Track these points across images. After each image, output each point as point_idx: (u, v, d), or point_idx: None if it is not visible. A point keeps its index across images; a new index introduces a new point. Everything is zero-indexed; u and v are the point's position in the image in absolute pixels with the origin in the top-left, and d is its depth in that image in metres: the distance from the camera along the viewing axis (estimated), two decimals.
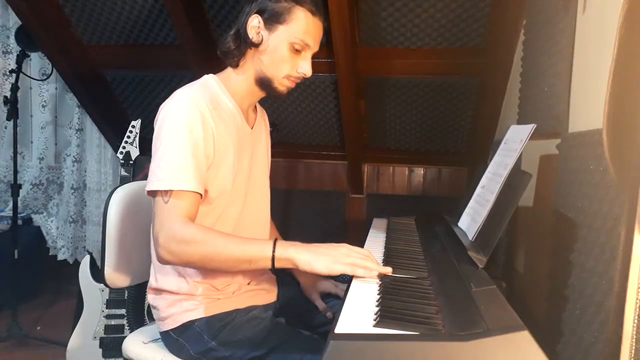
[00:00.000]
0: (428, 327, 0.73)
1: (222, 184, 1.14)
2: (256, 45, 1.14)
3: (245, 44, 1.14)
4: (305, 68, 1.16)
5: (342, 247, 1.00)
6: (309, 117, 2.26)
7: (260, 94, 1.22)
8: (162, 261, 1.04)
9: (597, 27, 1.01)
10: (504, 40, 1.73)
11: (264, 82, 1.17)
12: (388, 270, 0.98)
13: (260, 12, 1.12)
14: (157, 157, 1.06)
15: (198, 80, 1.17)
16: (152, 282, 1.20)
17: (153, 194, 1.06)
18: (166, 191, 1.03)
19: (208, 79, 1.18)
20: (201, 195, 1.07)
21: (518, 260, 1.50)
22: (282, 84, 1.17)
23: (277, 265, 0.99)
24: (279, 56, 1.13)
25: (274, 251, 0.99)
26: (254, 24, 1.12)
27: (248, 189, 1.22)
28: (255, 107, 1.31)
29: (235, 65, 1.18)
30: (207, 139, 1.08)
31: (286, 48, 1.13)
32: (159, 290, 1.18)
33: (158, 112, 1.12)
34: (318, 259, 0.97)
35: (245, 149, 1.21)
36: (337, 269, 0.96)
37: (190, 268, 1.13)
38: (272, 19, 1.12)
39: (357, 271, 0.96)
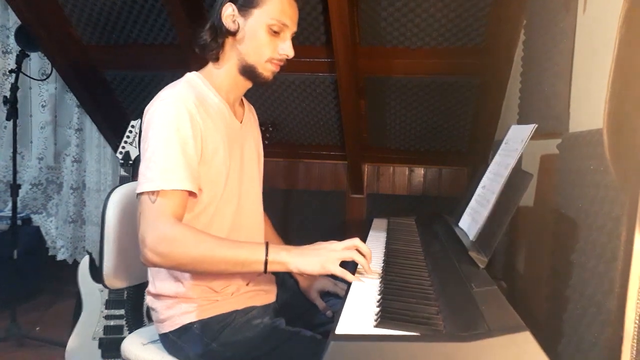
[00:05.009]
0: (429, 327, 0.72)
1: (214, 182, 1.12)
2: (233, 34, 1.13)
3: (222, 35, 1.13)
4: (286, 49, 1.14)
5: (331, 244, 1.02)
6: (309, 117, 2.26)
7: (246, 85, 1.21)
8: (149, 263, 1.01)
9: (597, 27, 1.01)
10: (504, 40, 1.73)
11: (247, 71, 1.16)
12: (371, 272, 1.00)
13: (232, 1, 1.11)
14: (145, 159, 1.04)
15: (181, 79, 1.16)
16: (150, 288, 1.19)
17: (141, 195, 1.03)
18: (153, 191, 1.01)
19: (191, 76, 1.17)
20: (195, 194, 1.06)
21: (519, 260, 1.50)
22: (266, 69, 1.15)
23: (270, 268, 1.00)
24: (258, 41, 1.12)
25: (266, 255, 1.00)
26: (229, 13, 1.11)
27: (242, 186, 1.20)
28: (242, 101, 1.30)
29: (216, 59, 1.17)
30: (196, 136, 1.06)
31: (264, 31, 1.11)
32: (157, 295, 1.17)
33: (144, 114, 1.10)
34: (308, 261, 0.99)
35: (235, 145, 1.19)
36: (331, 269, 0.98)
37: (178, 272, 1.11)
38: (246, 4, 1.11)
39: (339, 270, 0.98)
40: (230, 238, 1.14)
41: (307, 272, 0.99)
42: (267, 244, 1.01)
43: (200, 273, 1.10)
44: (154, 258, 0.99)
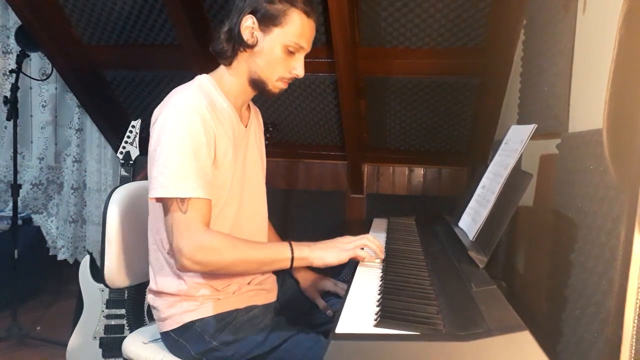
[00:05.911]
0: (428, 327, 0.73)
1: (221, 185, 1.14)
2: (251, 47, 1.14)
3: (239, 45, 1.14)
4: (298, 69, 1.16)
5: (345, 238, 1.14)
6: (309, 117, 2.26)
7: (253, 93, 1.23)
8: (185, 271, 1.08)
9: (597, 27, 1.01)
10: (504, 40, 1.73)
11: (257, 84, 1.18)
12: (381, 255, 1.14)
13: (253, 12, 1.11)
14: (158, 164, 1.05)
15: (192, 82, 1.16)
16: (152, 285, 1.20)
17: (160, 200, 1.08)
18: (182, 200, 1.03)
19: (202, 79, 1.18)
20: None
21: (518, 260, 1.50)
22: (276, 86, 1.18)
23: (295, 264, 1.09)
24: (273, 58, 1.14)
25: (292, 252, 1.08)
26: (248, 25, 1.12)
27: (243, 188, 1.22)
28: (249, 105, 1.31)
29: (229, 65, 1.18)
30: (210, 142, 1.08)
31: (280, 50, 1.13)
32: (158, 292, 1.18)
33: (154, 117, 1.11)
34: (327, 252, 1.09)
35: (240, 148, 1.21)
36: (344, 257, 1.09)
37: (181, 270, 1.13)
38: (267, 21, 1.11)
39: (361, 253, 1.10)
40: None
41: (327, 264, 1.08)
42: (290, 243, 1.10)
43: (233, 275, 1.16)
44: (193, 266, 1.05)
